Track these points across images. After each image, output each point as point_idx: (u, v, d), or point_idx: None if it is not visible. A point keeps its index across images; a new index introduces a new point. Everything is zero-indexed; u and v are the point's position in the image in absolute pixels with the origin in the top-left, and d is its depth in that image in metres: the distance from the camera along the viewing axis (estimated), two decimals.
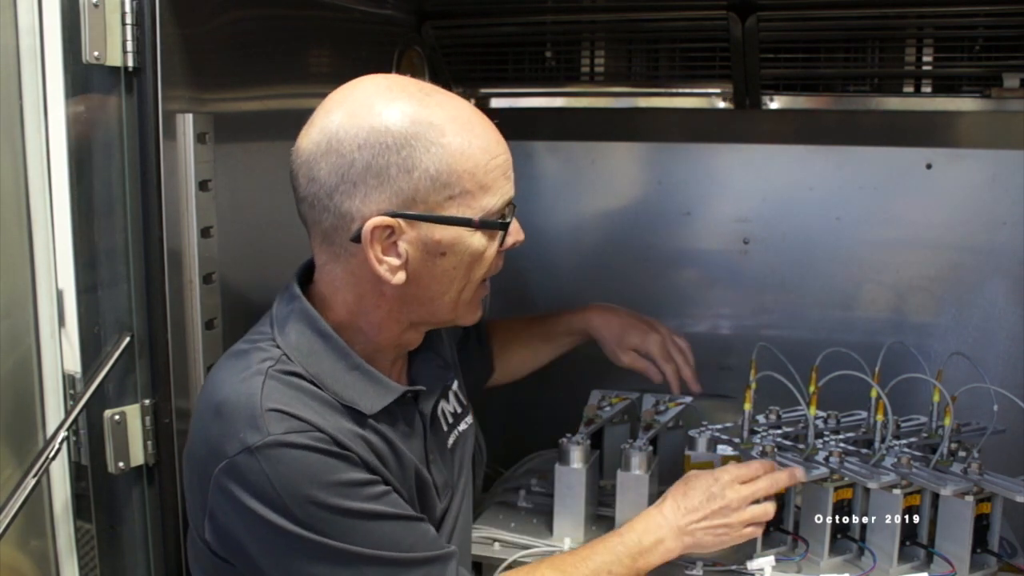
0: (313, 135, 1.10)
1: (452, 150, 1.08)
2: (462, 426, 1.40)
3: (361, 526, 1.08)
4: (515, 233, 1.17)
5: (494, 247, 1.15)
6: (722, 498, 1.35)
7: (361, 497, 1.08)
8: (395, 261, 1.11)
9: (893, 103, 1.97)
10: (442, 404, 1.36)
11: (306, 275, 1.21)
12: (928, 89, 1.95)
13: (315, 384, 1.12)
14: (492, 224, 1.13)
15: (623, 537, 1.31)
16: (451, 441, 1.36)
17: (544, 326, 1.72)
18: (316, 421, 1.08)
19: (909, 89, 1.97)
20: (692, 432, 1.64)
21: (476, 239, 1.13)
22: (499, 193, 1.12)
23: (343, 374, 1.14)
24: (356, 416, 1.13)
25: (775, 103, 2.02)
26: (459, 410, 1.41)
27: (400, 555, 1.10)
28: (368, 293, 1.16)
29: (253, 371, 1.11)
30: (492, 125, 1.15)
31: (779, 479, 1.39)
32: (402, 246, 1.10)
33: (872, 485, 1.41)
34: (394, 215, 1.08)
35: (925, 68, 1.92)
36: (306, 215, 1.14)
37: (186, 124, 1.31)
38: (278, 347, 1.14)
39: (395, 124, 1.07)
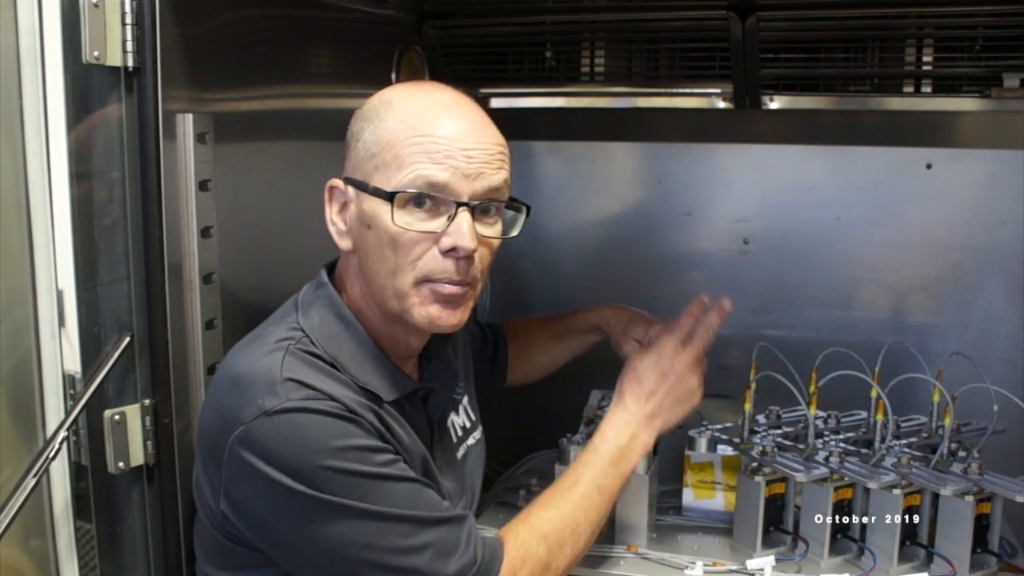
0: None
1: (386, 124, 1.14)
2: (471, 440, 1.42)
3: (377, 487, 1.10)
4: (455, 236, 1.12)
5: (412, 234, 1.12)
6: (673, 371, 1.36)
7: (374, 463, 1.11)
8: (341, 225, 1.19)
9: (893, 103, 1.97)
10: (452, 417, 1.38)
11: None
12: (928, 89, 1.95)
13: (334, 366, 1.15)
14: (380, 193, 1.12)
15: (598, 449, 1.31)
16: (460, 453, 1.38)
17: (559, 324, 1.73)
18: (332, 392, 1.11)
19: (909, 89, 1.96)
20: (692, 432, 1.64)
21: (390, 216, 1.12)
22: (410, 172, 1.11)
23: (362, 360, 1.18)
24: (372, 398, 1.17)
25: (775, 103, 2.02)
26: (468, 424, 1.43)
27: (419, 513, 1.12)
28: (348, 266, 1.23)
29: (273, 347, 1.15)
30: (461, 115, 1.14)
31: (712, 323, 1.40)
32: (349, 213, 1.18)
33: (872, 485, 1.41)
34: (345, 180, 1.18)
35: (925, 68, 1.92)
36: None
37: (186, 124, 1.31)
38: (301, 329, 1.18)
39: (369, 104, 1.18)
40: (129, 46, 1.22)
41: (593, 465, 1.29)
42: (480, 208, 1.15)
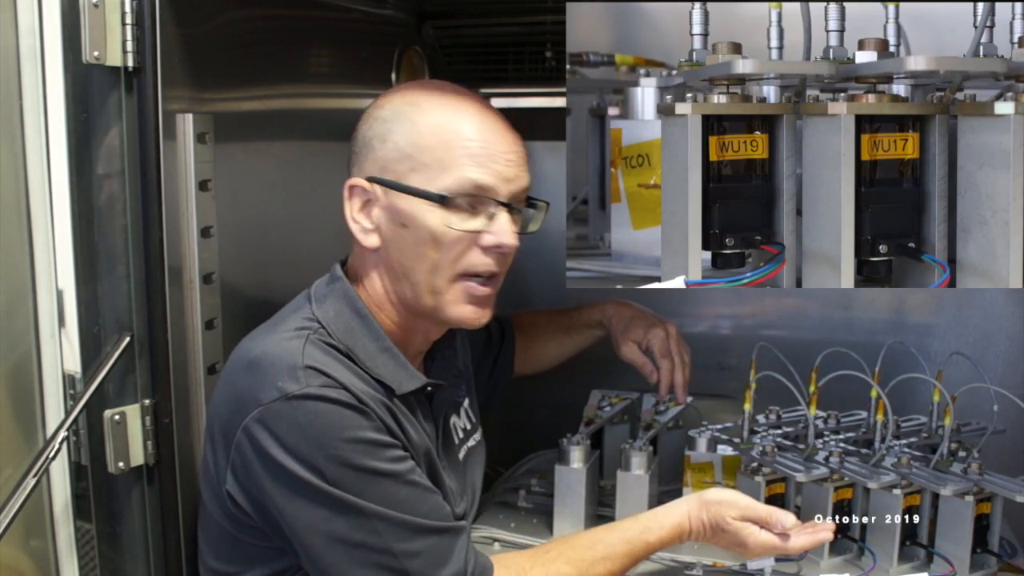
0: None
1: (422, 126, 1.17)
2: (471, 442, 1.44)
3: (380, 484, 1.12)
4: (499, 234, 1.18)
5: (457, 233, 1.16)
6: (744, 549, 1.29)
7: (383, 458, 1.13)
8: (367, 223, 1.20)
9: None
10: (454, 419, 1.39)
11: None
12: None
13: (349, 358, 1.17)
14: (429, 195, 1.15)
15: (648, 544, 1.27)
16: (462, 454, 1.39)
17: (566, 318, 1.74)
18: (348, 383, 1.13)
19: None
20: (692, 432, 1.64)
21: (434, 216, 1.16)
22: (457, 174, 1.15)
23: (375, 353, 1.20)
24: (385, 391, 1.18)
25: None
26: (469, 426, 1.44)
27: (415, 519, 1.13)
28: (367, 263, 1.23)
29: (292, 334, 1.17)
30: (491, 119, 1.19)
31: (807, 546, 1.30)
32: (375, 211, 1.19)
33: (872, 485, 1.41)
34: (369, 179, 1.18)
35: None
36: None
37: (186, 124, 1.31)
38: (317, 320, 1.19)
39: (389, 104, 1.20)
40: (129, 46, 1.22)
41: (633, 554, 1.26)
42: (513, 208, 1.21)
